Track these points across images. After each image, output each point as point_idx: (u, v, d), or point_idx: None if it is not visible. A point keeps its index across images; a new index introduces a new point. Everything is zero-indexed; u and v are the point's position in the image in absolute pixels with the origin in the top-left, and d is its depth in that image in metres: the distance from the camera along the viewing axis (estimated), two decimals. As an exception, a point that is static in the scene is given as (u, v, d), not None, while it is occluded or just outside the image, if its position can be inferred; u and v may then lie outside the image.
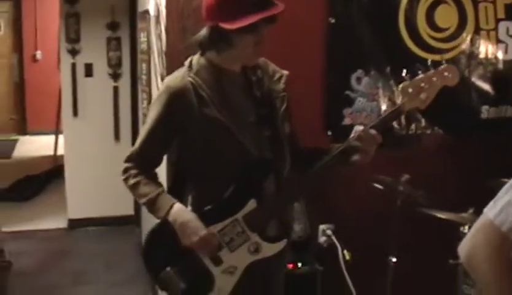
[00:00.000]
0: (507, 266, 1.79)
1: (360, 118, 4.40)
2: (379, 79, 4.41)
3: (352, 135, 2.75)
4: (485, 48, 4.63)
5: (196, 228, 2.76)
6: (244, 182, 2.77)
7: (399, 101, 2.78)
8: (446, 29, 4.56)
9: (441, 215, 3.79)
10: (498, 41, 4.68)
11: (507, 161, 4.47)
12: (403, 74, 2.78)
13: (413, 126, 4.56)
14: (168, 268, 2.87)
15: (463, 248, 1.80)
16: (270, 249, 2.82)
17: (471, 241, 1.79)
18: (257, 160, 2.77)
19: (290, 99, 2.91)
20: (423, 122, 4.57)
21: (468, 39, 4.60)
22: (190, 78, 2.75)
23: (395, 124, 4.46)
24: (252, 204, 2.78)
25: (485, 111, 4.73)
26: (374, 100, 4.41)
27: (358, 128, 2.75)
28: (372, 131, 2.71)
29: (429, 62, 2.84)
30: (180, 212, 2.79)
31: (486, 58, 4.64)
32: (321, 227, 4.36)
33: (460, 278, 3.92)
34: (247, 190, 2.79)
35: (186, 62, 2.83)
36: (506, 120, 4.77)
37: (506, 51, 4.70)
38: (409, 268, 4.11)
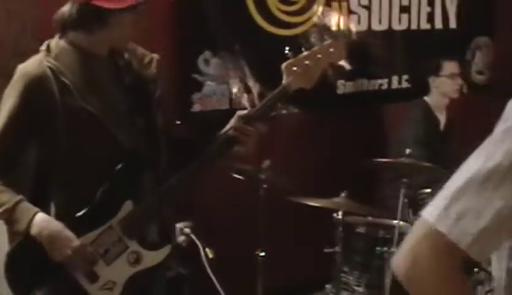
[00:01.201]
0: (457, 280, 1.50)
1: (210, 103, 4.26)
2: (229, 60, 4.26)
3: (230, 124, 2.66)
4: (337, 20, 4.57)
5: (67, 240, 2.52)
6: (117, 182, 2.58)
7: (283, 80, 2.66)
8: (296, 2, 4.44)
9: (311, 202, 3.55)
10: (350, 12, 4.64)
11: (372, 138, 4.36)
12: (286, 51, 2.67)
13: None
14: (37, 292, 2.62)
15: (401, 262, 1.51)
16: (152, 258, 2.64)
17: (412, 253, 1.50)
18: (131, 155, 2.60)
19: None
20: None
21: (320, 11, 4.50)
22: (49, 63, 2.52)
23: (247, 105, 4.26)
24: (127, 206, 2.59)
25: (342, 86, 4.66)
26: (224, 83, 4.30)
27: (240, 113, 2.68)
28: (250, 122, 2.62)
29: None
30: (45, 222, 2.53)
31: (339, 30, 4.48)
32: (178, 225, 3.96)
33: (338, 266, 3.78)
34: (121, 191, 2.60)
35: (43, 46, 2.59)
36: (364, 93, 4.74)
37: (359, 22, 4.68)
38: (280, 262, 3.95)
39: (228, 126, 2.66)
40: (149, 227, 2.68)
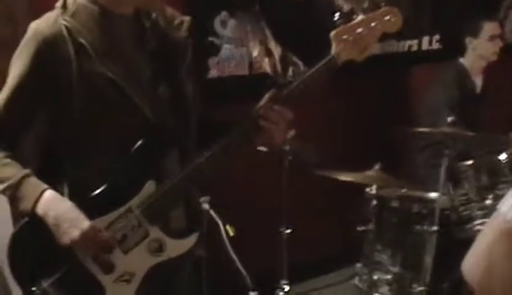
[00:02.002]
0: None
1: (228, 68, 4.08)
2: (247, 21, 4.07)
3: (258, 106, 2.37)
4: None
5: (76, 220, 2.26)
6: (139, 159, 2.32)
7: (332, 50, 2.37)
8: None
9: (341, 176, 3.28)
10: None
11: (402, 103, 4.10)
12: (335, 18, 2.47)
13: (290, 71, 4.08)
14: (43, 282, 2.36)
15: (474, 267, 1.39)
16: (177, 247, 2.39)
17: (487, 256, 1.37)
18: (156, 129, 2.33)
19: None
20: (301, 65, 4.07)
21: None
22: (65, 22, 2.28)
23: (268, 70, 4.03)
24: (149, 187, 2.33)
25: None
26: (243, 45, 4.12)
27: (274, 93, 2.39)
28: (277, 108, 2.34)
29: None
30: (54, 201, 2.29)
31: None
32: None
33: (369, 244, 3.57)
34: (142, 169, 2.34)
35: (59, 3, 2.34)
36: (393, 55, 4.52)
37: None
38: (306, 239, 3.81)
39: (259, 106, 2.39)
40: (174, 212, 2.43)
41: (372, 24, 2.41)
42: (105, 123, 2.31)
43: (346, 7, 4.22)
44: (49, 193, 2.30)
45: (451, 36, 4.60)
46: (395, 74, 4.51)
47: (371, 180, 3.34)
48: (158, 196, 2.33)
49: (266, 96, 2.41)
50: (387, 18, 2.43)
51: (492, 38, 4.29)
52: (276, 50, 4.01)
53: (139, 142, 2.32)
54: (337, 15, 2.51)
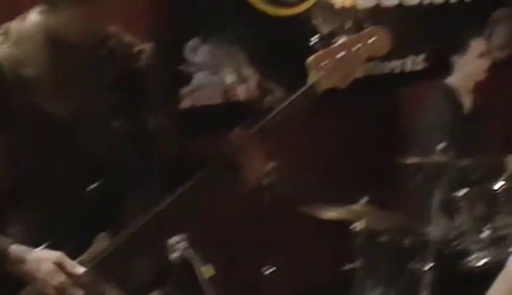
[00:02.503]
0: None
1: (201, 97, 3.89)
2: (220, 46, 3.89)
3: (232, 138, 2.22)
4: None
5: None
6: (91, 205, 2.14)
7: (309, 78, 2.21)
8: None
9: (326, 213, 3.09)
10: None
11: (389, 128, 3.92)
12: (312, 41, 2.24)
13: (268, 97, 4.00)
14: None
15: None
16: None
17: None
18: (111, 169, 2.16)
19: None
20: (279, 91, 3.97)
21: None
22: (5, 52, 2.14)
23: (244, 98, 3.96)
24: (101, 241, 2.12)
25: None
26: (217, 73, 3.93)
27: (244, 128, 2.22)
28: (252, 139, 2.20)
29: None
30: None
31: (343, 7, 4.17)
32: (170, 240, 3.57)
33: (359, 281, 3.39)
34: (96, 217, 2.15)
35: (0, 30, 2.23)
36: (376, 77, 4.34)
37: None
38: (291, 279, 3.68)
39: (232, 138, 2.23)
40: (136, 264, 2.22)
41: (356, 47, 2.25)
42: (51, 166, 2.16)
43: (326, 29, 4.04)
44: None
45: (437, 55, 4.45)
46: (379, 97, 4.35)
47: (358, 216, 3.15)
48: (113, 248, 2.13)
49: (240, 127, 2.22)
50: (373, 39, 2.28)
51: (480, 55, 4.10)
52: (252, 76, 3.85)
53: (91, 186, 2.14)
54: (314, 38, 2.31)
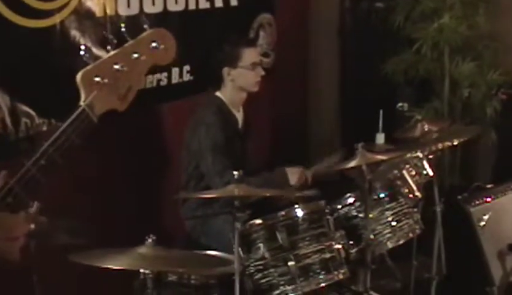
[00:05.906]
0: None
1: None
2: None
3: None
4: (103, 3, 3.66)
5: None
6: None
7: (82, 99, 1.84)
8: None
9: (104, 262, 2.57)
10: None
11: (159, 151, 3.54)
12: (81, 50, 1.84)
13: (22, 125, 3.35)
14: None
15: None
16: None
17: None
18: None
19: None
20: (36, 118, 3.37)
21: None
22: None
23: None
24: None
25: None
26: None
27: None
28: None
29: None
30: None
31: (105, 15, 3.68)
32: None
33: None
34: None
35: None
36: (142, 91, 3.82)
37: (128, 5, 3.83)
38: None
39: None
40: None
41: (135, 55, 1.88)
42: None
43: (90, 41, 3.54)
44: None
45: (204, 66, 4.08)
46: (146, 115, 3.87)
47: (144, 263, 2.64)
48: None
49: None
50: (154, 44, 1.91)
51: (253, 66, 3.79)
52: (3, 101, 3.22)
53: None
54: (83, 48, 1.88)
